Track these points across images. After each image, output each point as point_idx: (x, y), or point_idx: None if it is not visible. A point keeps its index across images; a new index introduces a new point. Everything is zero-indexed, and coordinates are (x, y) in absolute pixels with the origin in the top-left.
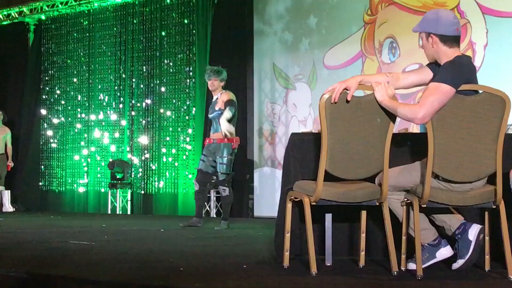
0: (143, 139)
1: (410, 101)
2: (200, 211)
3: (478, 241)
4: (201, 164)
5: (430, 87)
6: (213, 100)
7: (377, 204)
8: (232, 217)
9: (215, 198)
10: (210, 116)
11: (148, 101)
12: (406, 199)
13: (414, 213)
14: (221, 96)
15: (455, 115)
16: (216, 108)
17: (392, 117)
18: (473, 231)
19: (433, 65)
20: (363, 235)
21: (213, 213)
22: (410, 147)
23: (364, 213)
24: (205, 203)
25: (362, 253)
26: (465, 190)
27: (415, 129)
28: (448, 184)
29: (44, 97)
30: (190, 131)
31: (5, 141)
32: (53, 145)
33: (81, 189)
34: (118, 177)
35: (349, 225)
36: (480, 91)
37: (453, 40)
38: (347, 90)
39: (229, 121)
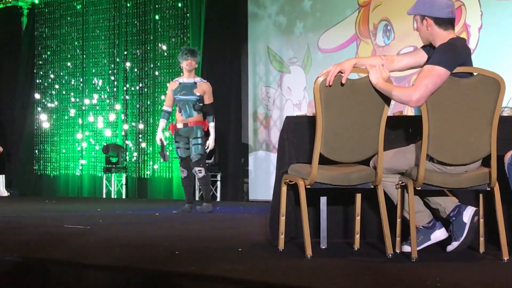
0: (138, 123)
1: (404, 84)
2: (190, 197)
3: (472, 223)
4: (178, 152)
5: (424, 70)
6: (184, 80)
7: (372, 187)
8: (227, 201)
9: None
10: (183, 98)
11: (142, 85)
12: (400, 182)
13: (408, 196)
14: (201, 85)
15: (449, 98)
16: (196, 93)
17: (386, 99)
18: (468, 213)
19: (428, 47)
20: (358, 218)
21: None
22: (404, 130)
23: (358, 196)
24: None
25: (357, 236)
26: (459, 172)
27: (409, 111)
28: (443, 166)
29: (38, 81)
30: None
31: None
32: (47, 129)
33: (76, 174)
34: (112, 161)
35: (344, 208)
36: (475, 74)
37: (447, 23)
38: (342, 73)
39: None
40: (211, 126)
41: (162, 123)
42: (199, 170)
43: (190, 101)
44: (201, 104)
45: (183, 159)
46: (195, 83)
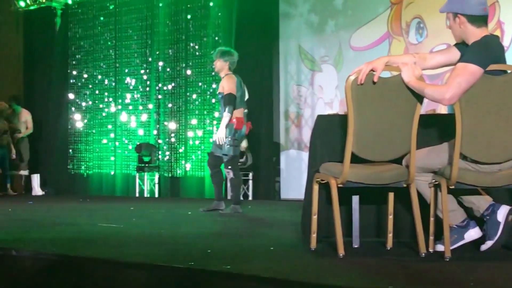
0: (170, 123)
1: (437, 82)
2: (219, 194)
3: (507, 223)
4: (212, 146)
5: (457, 68)
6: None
7: (405, 185)
8: (258, 200)
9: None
10: (218, 97)
11: (174, 84)
12: (434, 181)
13: (442, 195)
14: (222, 80)
15: (483, 96)
16: (220, 91)
17: (419, 98)
18: (502, 212)
19: (461, 45)
20: (390, 217)
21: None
22: (437, 128)
23: (391, 195)
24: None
25: (390, 235)
26: (493, 171)
27: (442, 110)
28: (476, 165)
29: (71, 81)
30: (216, 114)
31: (26, 124)
32: (81, 129)
33: (109, 173)
34: (145, 160)
35: (376, 207)
36: (508, 71)
37: (480, 20)
38: (374, 71)
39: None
40: (223, 116)
41: None
42: (227, 172)
43: (220, 99)
44: None
45: (210, 155)
46: (220, 84)
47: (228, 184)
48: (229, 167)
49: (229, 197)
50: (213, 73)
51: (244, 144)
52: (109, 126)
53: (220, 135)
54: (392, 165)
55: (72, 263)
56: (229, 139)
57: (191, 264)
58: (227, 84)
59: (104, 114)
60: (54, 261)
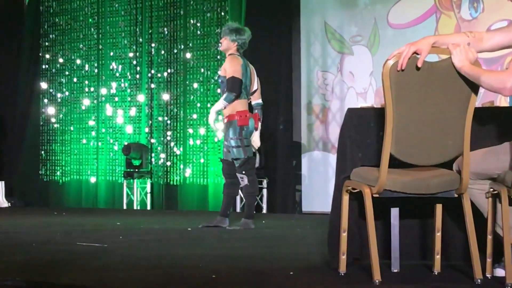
0: (165, 118)
1: (496, 68)
2: (225, 209)
3: None
4: (223, 153)
5: None
6: None
7: (456, 195)
8: (274, 213)
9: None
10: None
11: (171, 71)
12: (491, 189)
13: (502, 207)
14: (225, 61)
15: None
16: (220, 76)
17: (474, 87)
18: None
19: None
20: (438, 235)
21: (238, 208)
22: (496, 124)
23: (439, 207)
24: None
25: (437, 257)
26: None
27: (503, 102)
28: None
29: (44, 67)
30: None
31: None
32: (56, 125)
33: (90, 180)
34: (135, 164)
35: (420, 222)
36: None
37: None
38: (418, 54)
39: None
40: (219, 100)
41: None
42: (240, 178)
43: (219, 84)
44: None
45: (224, 163)
46: (222, 66)
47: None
48: (243, 171)
49: (238, 210)
50: (218, 56)
51: (256, 140)
52: (91, 123)
53: (210, 120)
54: (440, 170)
55: None
56: (235, 139)
57: None
58: (230, 65)
59: (84, 107)
60: None
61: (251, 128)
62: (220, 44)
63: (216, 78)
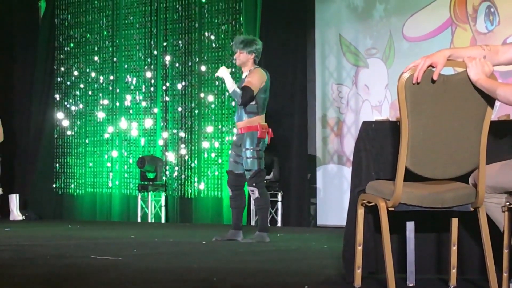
0: (180, 130)
1: None
2: (237, 222)
3: None
4: (229, 164)
5: None
6: (242, 77)
7: (472, 209)
8: (289, 226)
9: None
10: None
11: (185, 84)
12: (508, 203)
13: None
14: (248, 75)
15: None
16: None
17: (489, 100)
18: None
19: None
20: (454, 248)
21: (253, 221)
22: None
23: (455, 221)
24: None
25: (453, 271)
26: None
27: None
28: None
29: (58, 79)
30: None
31: None
32: (70, 138)
33: (105, 192)
34: (149, 177)
35: (436, 236)
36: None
37: None
38: (433, 67)
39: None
40: (235, 87)
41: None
42: (251, 191)
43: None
44: (253, 104)
45: (231, 174)
46: (245, 77)
47: (252, 208)
48: (254, 184)
49: (252, 223)
50: (233, 69)
51: None
52: (105, 135)
53: (221, 73)
54: (456, 184)
55: None
56: (251, 150)
57: None
58: (257, 79)
59: (98, 120)
60: None
61: (266, 142)
62: (234, 59)
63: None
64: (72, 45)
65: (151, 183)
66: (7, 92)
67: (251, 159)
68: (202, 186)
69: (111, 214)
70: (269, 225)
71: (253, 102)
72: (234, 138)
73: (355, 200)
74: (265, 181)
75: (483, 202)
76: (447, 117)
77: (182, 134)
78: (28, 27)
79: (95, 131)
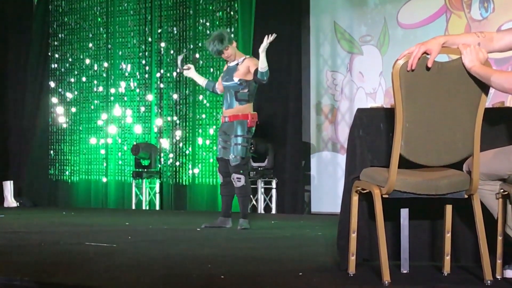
0: (174, 118)
1: (507, 68)
2: (227, 209)
3: None
4: (218, 151)
5: None
6: (229, 65)
7: (466, 196)
8: (283, 213)
9: (262, 189)
10: (225, 84)
11: (180, 70)
12: (502, 190)
13: None
14: (243, 64)
15: None
16: (235, 79)
17: (484, 87)
18: None
19: None
20: (448, 236)
21: (260, 209)
22: (507, 125)
23: (449, 208)
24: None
25: (447, 258)
26: None
27: None
28: None
29: (53, 66)
30: None
31: None
32: (65, 125)
33: (99, 180)
34: (144, 164)
35: (430, 223)
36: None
37: None
38: (427, 54)
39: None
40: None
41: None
42: (237, 178)
43: (230, 87)
44: (245, 91)
45: (220, 161)
46: (237, 64)
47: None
48: (241, 171)
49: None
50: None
51: None
52: (99, 122)
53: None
54: (450, 171)
55: None
56: (242, 137)
57: None
58: (255, 62)
59: (93, 107)
60: None
61: (253, 131)
62: (224, 54)
63: (238, 82)
64: (66, 31)
65: (145, 170)
66: (1, 78)
67: (241, 146)
68: (196, 173)
69: (106, 201)
70: (263, 212)
71: (245, 90)
72: (221, 124)
73: (349, 187)
74: (260, 168)
75: (477, 189)
76: (442, 104)
77: (176, 121)
78: (22, 14)
79: (90, 118)
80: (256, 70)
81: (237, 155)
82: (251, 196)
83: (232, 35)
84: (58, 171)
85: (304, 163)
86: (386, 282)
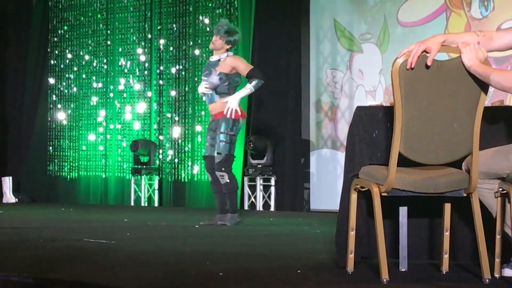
0: (174, 114)
1: (506, 67)
2: (222, 205)
3: None
4: (205, 149)
5: None
6: (210, 60)
7: (465, 195)
8: (282, 211)
9: (261, 186)
10: (204, 79)
11: (179, 67)
12: (501, 189)
13: (511, 206)
14: (224, 61)
15: None
16: (217, 72)
17: (483, 86)
18: None
19: None
20: (446, 234)
21: (259, 206)
22: (506, 124)
23: (448, 207)
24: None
25: (446, 256)
26: None
27: None
28: None
29: (52, 62)
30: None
31: None
32: (64, 121)
33: (98, 176)
34: (143, 161)
35: (429, 221)
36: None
37: None
38: (427, 52)
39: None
40: (246, 86)
41: None
42: (221, 176)
43: (210, 83)
44: (225, 85)
45: (207, 159)
46: (219, 60)
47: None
48: (223, 169)
49: (259, 208)
50: None
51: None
52: (99, 119)
53: (233, 104)
54: (449, 170)
55: (50, 287)
56: (225, 134)
57: None
58: (242, 61)
59: (92, 103)
60: (29, 284)
61: (241, 124)
62: (215, 41)
63: (218, 77)
64: (66, 28)
65: (144, 166)
66: (0, 75)
67: (224, 143)
68: (195, 170)
69: (105, 198)
70: (261, 209)
71: (225, 83)
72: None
73: (348, 185)
74: (259, 165)
75: (476, 187)
76: (441, 103)
77: (176, 117)
78: (21, 10)
79: (89, 114)
80: (250, 80)
81: (221, 152)
82: (250, 193)
83: (234, 39)
84: (57, 167)
85: (303, 161)
86: (385, 280)
